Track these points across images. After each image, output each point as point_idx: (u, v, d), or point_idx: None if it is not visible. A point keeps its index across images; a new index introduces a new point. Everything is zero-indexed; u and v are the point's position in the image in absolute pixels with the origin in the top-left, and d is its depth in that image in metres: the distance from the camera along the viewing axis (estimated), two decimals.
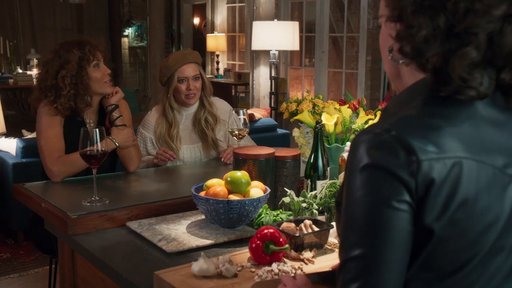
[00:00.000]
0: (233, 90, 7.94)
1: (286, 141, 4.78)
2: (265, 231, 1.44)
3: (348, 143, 2.13)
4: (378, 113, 2.46)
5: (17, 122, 7.01)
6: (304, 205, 1.73)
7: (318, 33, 6.56)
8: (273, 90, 5.85)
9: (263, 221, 1.70)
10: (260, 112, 4.98)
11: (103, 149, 1.96)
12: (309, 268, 1.42)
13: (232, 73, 8.24)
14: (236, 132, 2.47)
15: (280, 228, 1.53)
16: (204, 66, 8.79)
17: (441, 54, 0.91)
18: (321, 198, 1.77)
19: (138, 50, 10.29)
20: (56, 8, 9.31)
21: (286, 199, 1.76)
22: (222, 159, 2.65)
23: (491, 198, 0.91)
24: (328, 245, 1.57)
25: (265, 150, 1.91)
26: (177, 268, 1.39)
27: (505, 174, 0.92)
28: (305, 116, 2.47)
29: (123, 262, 1.56)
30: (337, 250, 1.52)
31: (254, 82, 6.68)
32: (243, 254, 1.50)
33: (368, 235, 0.88)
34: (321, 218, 1.74)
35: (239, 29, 8.48)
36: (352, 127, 2.37)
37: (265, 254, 1.43)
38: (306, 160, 1.98)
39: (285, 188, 1.86)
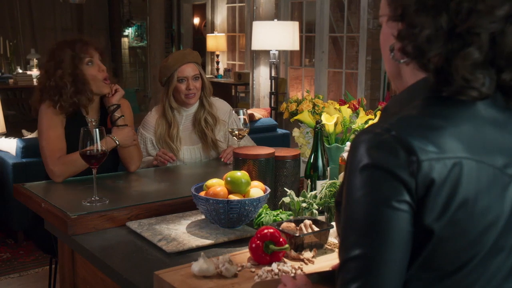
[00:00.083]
0: (233, 90, 7.94)
1: (286, 141, 4.78)
2: (265, 231, 1.44)
3: (348, 143, 2.13)
4: (378, 113, 2.45)
5: (17, 122, 7.02)
6: (304, 205, 1.73)
7: (318, 33, 6.56)
8: (273, 90, 5.85)
9: (263, 221, 1.70)
10: (260, 112, 4.98)
11: (103, 149, 1.96)
12: (309, 268, 1.42)
13: (232, 73, 8.24)
14: (236, 132, 2.47)
15: (280, 228, 1.53)
16: (204, 66, 8.79)
17: (443, 54, 0.91)
18: (321, 198, 1.77)
19: (138, 50, 10.29)
20: (56, 8, 9.31)
21: (286, 199, 1.76)
22: (222, 159, 2.65)
23: (491, 198, 0.91)
24: (328, 245, 1.57)
25: (265, 150, 1.91)
26: (177, 268, 1.39)
27: (505, 174, 0.92)
28: (305, 116, 2.47)
29: (123, 262, 1.55)
30: (337, 250, 1.52)
31: (254, 82, 6.68)
32: (243, 254, 1.50)
33: (368, 235, 0.88)
34: (321, 218, 1.74)
35: (239, 29, 8.48)
36: (352, 127, 2.37)
37: (265, 254, 1.43)
38: (306, 160, 1.98)
39: (285, 188, 1.86)
